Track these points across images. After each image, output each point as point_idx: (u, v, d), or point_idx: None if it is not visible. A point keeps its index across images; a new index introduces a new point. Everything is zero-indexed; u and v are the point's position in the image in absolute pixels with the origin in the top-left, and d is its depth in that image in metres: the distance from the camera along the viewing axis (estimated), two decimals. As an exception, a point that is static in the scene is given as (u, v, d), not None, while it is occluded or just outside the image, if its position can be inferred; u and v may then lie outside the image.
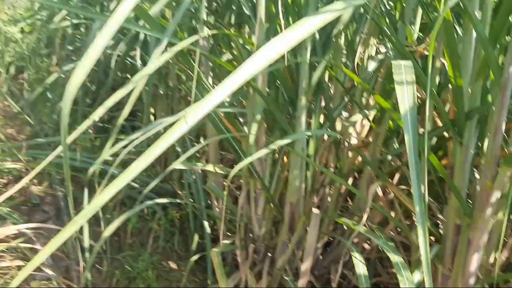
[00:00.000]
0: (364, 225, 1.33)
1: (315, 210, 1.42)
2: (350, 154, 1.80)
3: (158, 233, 2.18)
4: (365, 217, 1.13)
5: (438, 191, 1.47)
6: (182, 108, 2.33)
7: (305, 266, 1.31)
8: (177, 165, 1.49)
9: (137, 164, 0.74)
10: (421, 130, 1.58)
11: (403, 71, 0.92)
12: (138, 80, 1.27)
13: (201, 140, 2.43)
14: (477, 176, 1.40)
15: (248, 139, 1.60)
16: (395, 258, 1.11)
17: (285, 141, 1.25)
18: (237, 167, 1.19)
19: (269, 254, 1.81)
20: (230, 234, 2.04)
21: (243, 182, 1.71)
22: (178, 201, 2.05)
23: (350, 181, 1.91)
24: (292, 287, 1.52)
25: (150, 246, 2.13)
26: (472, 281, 1.27)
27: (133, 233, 2.19)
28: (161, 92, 2.53)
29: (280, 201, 1.84)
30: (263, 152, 1.24)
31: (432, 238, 1.47)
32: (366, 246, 1.85)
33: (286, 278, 1.66)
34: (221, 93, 0.74)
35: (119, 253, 2.09)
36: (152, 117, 2.59)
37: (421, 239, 0.77)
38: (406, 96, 0.84)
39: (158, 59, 1.30)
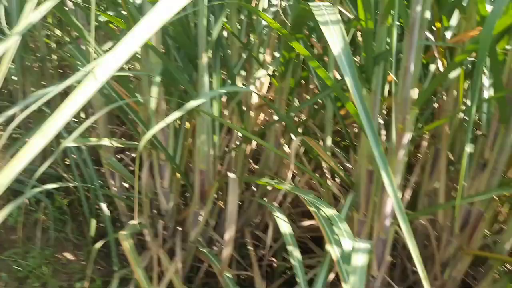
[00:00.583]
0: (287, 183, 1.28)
1: (231, 175, 1.34)
2: (253, 113, 1.74)
3: (46, 224, 1.93)
4: (290, 174, 1.07)
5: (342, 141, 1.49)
6: (56, 83, 2.05)
7: (229, 235, 1.23)
8: (69, 142, 1.27)
9: (34, 143, 0.57)
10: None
11: (324, 12, 0.85)
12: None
13: (83, 115, 2.17)
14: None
15: (146, 106, 1.44)
16: (330, 211, 1.08)
17: (194, 103, 1.13)
18: (144, 138, 1.04)
19: (180, 228, 1.70)
20: (131, 213, 1.88)
21: (145, 154, 1.55)
22: (68, 185, 1.81)
23: (254, 143, 1.86)
24: (212, 258, 1.43)
25: (39, 239, 1.87)
26: (387, 223, 1.31)
27: (16, 228, 1.90)
28: (29, 64, 2.19)
29: (187, 171, 1.72)
30: (172, 117, 1.10)
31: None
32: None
33: (203, 249, 1.57)
34: (134, 40, 0.60)
35: (1, 252, 1.81)
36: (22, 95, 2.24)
37: (387, 181, 0.74)
38: (335, 37, 0.78)
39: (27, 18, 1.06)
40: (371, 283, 1.38)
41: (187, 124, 1.60)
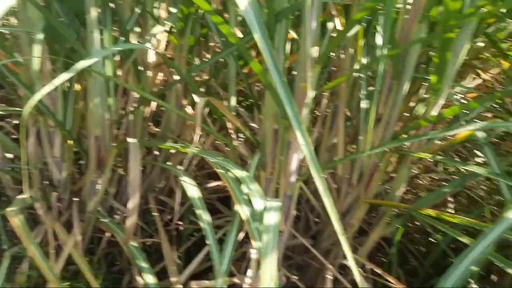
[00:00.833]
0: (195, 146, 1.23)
1: (130, 140, 1.25)
2: (151, 73, 1.64)
3: None
4: (196, 137, 1.03)
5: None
6: None
7: (132, 203, 1.16)
8: None
9: None
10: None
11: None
12: None
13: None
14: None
15: (27, 67, 1.27)
16: (239, 173, 1.06)
17: (85, 62, 1.01)
18: (29, 103, 0.92)
19: (76, 199, 1.58)
20: (19, 187, 1.70)
21: (30, 120, 1.39)
22: None
23: (154, 105, 1.77)
24: (115, 228, 1.36)
25: None
26: (293, 180, 1.34)
27: None
28: None
29: (80, 137, 1.59)
30: (60, 79, 0.98)
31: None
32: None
33: (103, 219, 1.48)
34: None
35: None
36: None
37: (302, 141, 0.73)
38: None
39: None
40: (278, 237, 1.42)
41: (77, 86, 1.46)
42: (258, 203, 0.92)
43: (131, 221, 1.17)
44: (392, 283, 1.34)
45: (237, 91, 1.63)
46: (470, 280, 1.45)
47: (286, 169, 1.33)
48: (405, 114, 1.65)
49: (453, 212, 2.17)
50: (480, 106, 1.23)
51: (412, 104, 1.64)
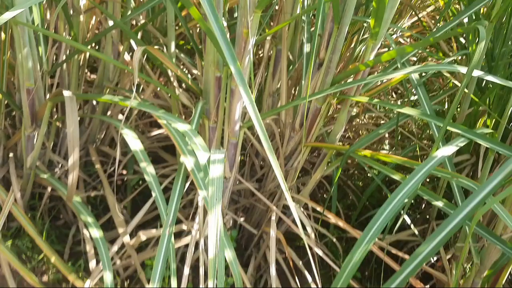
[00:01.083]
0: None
1: (66, 93, 1.19)
2: (83, 18, 1.54)
3: None
4: (134, 89, 1.00)
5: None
6: None
7: (72, 159, 1.13)
8: None
9: None
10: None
11: None
12: None
13: None
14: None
15: None
16: (182, 126, 1.05)
17: (8, 14, 0.93)
18: None
19: (12, 155, 1.52)
20: None
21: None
22: None
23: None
24: (57, 184, 1.32)
25: None
26: (237, 127, 1.35)
27: None
28: None
29: (10, 90, 1.49)
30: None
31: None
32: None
33: (44, 175, 1.44)
34: None
35: None
36: None
37: (246, 97, 0.72)
38: None
39: None
40: (224, 184, 1.45)
41: (2, 35, 1.35)
42: (202, 157, 0.92)
43: (73, 177, 1.14)
44: (331, 219, 1.43)
45: (177, 34, 1.57)
46: (401, 211, 1.57)
47: (230, 117, 1.33)
48: (347, 56, 1.68)
49: (390, 148, 2.29)
50: (415, 49, 1.28)
51: (352, 48, 1.66)
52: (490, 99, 1.55)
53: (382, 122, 2.31)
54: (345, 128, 2.39)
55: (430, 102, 1.29)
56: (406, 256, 1.37)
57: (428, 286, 1.57)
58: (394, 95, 2.55)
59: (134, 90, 0.99)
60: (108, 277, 1.13)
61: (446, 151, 1.05)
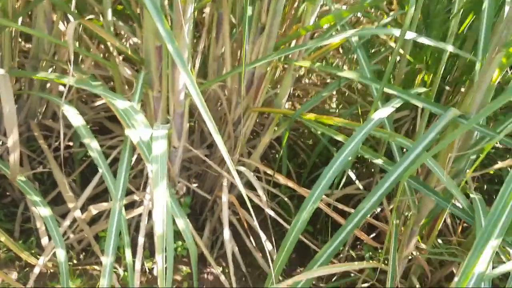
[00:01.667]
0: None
1: (-2, 70, 1.13)
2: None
3: None
4: (71, 66, 0.97)
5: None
6: None
7: (12, 139, 1.10)
8: None
9: None
10: None
11: None
12: None
13: None
14: None
15: None
16: (123, 104, 1.03)
17: None
18: None
19: None
20: None
21: None
22: None
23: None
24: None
25: None
26: (182, 97, 1.34)
27: None
28: None
29: None
30: None
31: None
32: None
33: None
34: None
35: None
36: None
37: (179, 63, 0.72)
38: None
39: None
40: (173, 153, 1.46)
41: None
42: (144, 134, 0.92)
43: (14, 158, 1.11)
44: (281, 180, 1.48)
45: (113, 1, 1.51)
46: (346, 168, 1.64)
47: (174, 87, 1.32)
48: (291, 15, 1.67)
49: (337, 105, 2.36)
50: (352, 13, 1.30)
51: (296, 7, 1.66)
52: (427, 56, 1.61)
53: (329, 80, 2.35)
54: (294, 87, 2.43)
55: (369, 63, 1.33)
56: (352, 210, 1.45)
57: (372, 236, 1.67)
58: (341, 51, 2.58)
59: (71, 67, 0.96)
60: (61, 253, 1.14)
61: (383, 112, 1.10)
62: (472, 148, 1.17)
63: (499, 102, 0.94)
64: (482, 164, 1.87)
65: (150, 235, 1.57)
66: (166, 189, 0.83)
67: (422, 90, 1.21)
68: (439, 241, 1.55)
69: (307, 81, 2.35)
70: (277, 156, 2.20)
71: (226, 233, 1.38)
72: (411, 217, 1.30)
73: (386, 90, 1.15)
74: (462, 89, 1.60)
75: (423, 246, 1.40)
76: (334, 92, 2.34)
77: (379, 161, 1.18)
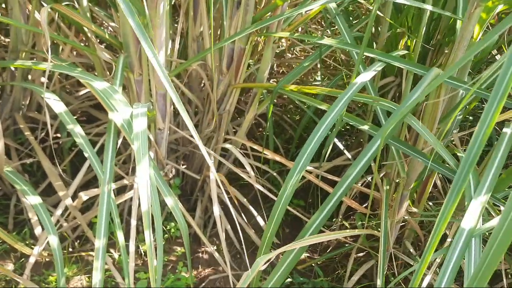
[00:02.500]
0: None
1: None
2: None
3: None
4: (49, 53, 0.96)
5: None
6: None
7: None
8: None
9: None
10: None
11: None
12: None
13: None
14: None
15: None
16: (102, 85, 1.02)
17: None
18: None
19: None
20: None
21: None
22: None
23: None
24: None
25: None
26: (163, 77, 1.33)
27: None
28: None
29: None
30: None
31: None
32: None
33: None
34: None
35: None
36: None
37: (150, 54, 0.71)
38: None
39: None
40: (159, 135, 1.46)
41: None
42: (124, 113, 0.92)
43: (-2, 147, 1.11)
44: (268, 155, 1.48)
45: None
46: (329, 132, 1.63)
47: (154, 68, 1.31)
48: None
49: (322, 79, 2.35)
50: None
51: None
52: (408, 19, 1.60)
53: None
54: (277, 64, 2.42)
55: (350, 30, 1.33)
56: (336, 178, 1.46)
57: (365, 205, 1.69)
58: (323, 24, 2.57)
59: (49, 53, 0.95)
60: (54, 240, 1.14)
61: (365, 76, 1.10)
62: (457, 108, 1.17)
63: (472, 52, 0.93)
64: (470, 126, 1.88)
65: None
66: (150, 165, 0.83)
67: (404, 52, 1.21)
68: (431, 204, 1.57)
69: (289, 55, 2.34)
70: (264, 134, 2.20)
71: (216, 210, 1.38)
72: (401, 182, 1.31)
73: (366, 53, 1.14)
74: (446, 51, 1.60)
75: (414, 210, 1.42)
76: (318, 66, 2.34)
77: (365, 127, 1.18)
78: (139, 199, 1.33)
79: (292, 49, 2.35)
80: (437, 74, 1.10)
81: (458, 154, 1.18)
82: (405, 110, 1.04)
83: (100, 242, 1.04)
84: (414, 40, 1.57)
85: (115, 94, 0.96)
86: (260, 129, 2.18)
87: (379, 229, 1.46)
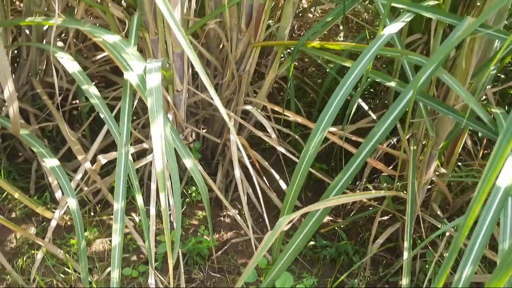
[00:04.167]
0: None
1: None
2: None
3: None
4: (57, 9, 0.91)
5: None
6: None
7: (9, 90, 1.06)
8: None
9: None
10: None
11: None
12: None
13: None
14: None
15: None
16: (113, 38, 0.98)
17: None
18: None
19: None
20: None
21: None
22: None
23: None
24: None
25: None
26: (180, 36, 1.28)
27: None
28: None
29: None
30: None
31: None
32: None
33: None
34: None
35: None
36: None
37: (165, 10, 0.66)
38: None
39: None
40: (177, 97, 1.42)
41: None
42: (137, 67, 0.87)
43: (13, 110, 1.09)
44: (290, 117, 1.43)
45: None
46: (353, 92, 1.55)
47: (170, 26, 1.26)
48: None
49: (345, 39, 2.26)
50: None
51: None
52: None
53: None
54: (298, 25, 2.33)
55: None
56: (360, 139, 1.40)
57: (391, 167, 1.63)
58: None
59: (56, 7, 0.91)
60: (73, 203, 1.13)
61: (392, 28, 1.02)
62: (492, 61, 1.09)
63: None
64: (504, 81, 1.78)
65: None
66: (166, 124, 0.79)
67: (434, 2, 1.12)
68: (460, 165, 1.50)
69: (310, 16, 2.25)
70: (285, 97, 2.14)
71: (238, 173, 1.35)
72: (430, 141, 1.25)
73: (394, 4, 1.06)
74: (478, 3, 1.49)
75: (443, 171, 1.36)
76: (341, 28, 2.25)
77: (392, 84, 1.11)
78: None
79: (313, 9, 2.26)
80: (470, 25, 1.02)
81: (493, 110, 1.10)
82: (436, 60, 0.97)
83: (118, 205, 1.02)
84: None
85: (127, 48, 0.92)
86: (281, 93, 2.12)
87: (404, 191, 1.41)
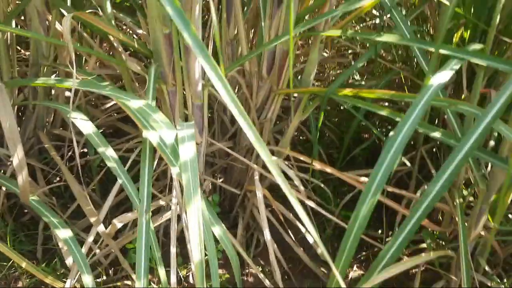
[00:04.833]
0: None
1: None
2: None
3: None
4: (74, 68, 0.82)
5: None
6: None
7: (18, 156, 0.97)
8: None
9: None
10: None
11: None
12: None
13: None
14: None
15: None
16: (137, 103, 0.88)
17: None
18: None
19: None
20: None
21: None
22: None
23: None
24: (7, 184, 1.16)
25: None
26: (199, 87, 1.20)
27: None
28: None
29: None
30: None
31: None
32: None
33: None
34: None
35: None
36: None
37: (194, 44, 0.57)
38: None
39: None
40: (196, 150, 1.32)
41: None
42: (168, 136, 0.76)
43: (23, 178, 0.99)
44: (316, 166, 1.33)
45: None
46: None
47: (189, 77, 1.17)
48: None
49: (361, 78, 2.18)
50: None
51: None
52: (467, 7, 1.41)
53: (346, 52, 2.17)
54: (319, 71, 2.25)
55: (408, 24, 1.16)
56: (404, 193, 1.30)
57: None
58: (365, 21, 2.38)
59: (74, 69, 0.82)
60: (87, 279, 1.01)
61: (441, 77, 0.94)
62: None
63: None
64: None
65: (180, 239, 1.44)
66: (201, 202, 0.69)
67: (478, 46, 1.04)
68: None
69: (326, 55, 2.17)
70: (301, 138, 2.04)
71: (267, 234, 1.24)
72: (480, 195, 1.14)
73: (442, 51, 0.98)
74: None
75: (492, 224, 1.24)
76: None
77: (436, 135, 1.01)
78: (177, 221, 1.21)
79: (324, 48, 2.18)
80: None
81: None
82: (493, 112, 0.87)
83: (140, 283, 0.91)
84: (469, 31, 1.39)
85: (155, 114, 0.82)
86: (296, 133, 2.03)
87: (449, 248, 1.30)
